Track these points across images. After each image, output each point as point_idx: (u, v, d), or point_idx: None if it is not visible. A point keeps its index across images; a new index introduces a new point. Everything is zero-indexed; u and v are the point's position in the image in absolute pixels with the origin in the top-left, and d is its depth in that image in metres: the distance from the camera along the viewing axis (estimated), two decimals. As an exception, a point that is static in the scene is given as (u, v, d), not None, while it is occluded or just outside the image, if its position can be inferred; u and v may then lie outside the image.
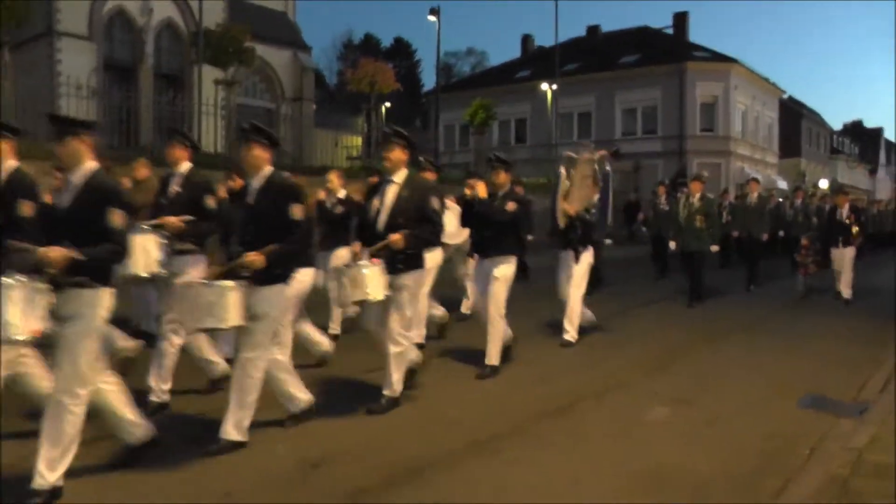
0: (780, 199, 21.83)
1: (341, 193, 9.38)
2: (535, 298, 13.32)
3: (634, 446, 5.66)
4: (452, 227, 8.63)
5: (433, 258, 8.21)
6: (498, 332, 7.83)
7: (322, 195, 8.97)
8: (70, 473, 4.51)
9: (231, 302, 5.15)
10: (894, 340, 9.25)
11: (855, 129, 78.19)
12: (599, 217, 9.61)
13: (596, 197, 9.52)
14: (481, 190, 7.89)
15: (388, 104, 37.53)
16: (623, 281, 16.33)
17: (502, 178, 7.98)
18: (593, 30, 51.00)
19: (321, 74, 58.65)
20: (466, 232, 8.75)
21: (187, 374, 6.73)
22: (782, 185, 40.92)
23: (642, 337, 10.19)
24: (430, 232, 6.40)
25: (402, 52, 69.03)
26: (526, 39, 54.93)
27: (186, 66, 28.78)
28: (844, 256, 13.61)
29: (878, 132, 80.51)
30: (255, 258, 5.22)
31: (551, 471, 5.15)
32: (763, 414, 6.55)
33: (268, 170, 5.58)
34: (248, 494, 4.66)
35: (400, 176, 6.43)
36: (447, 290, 10.78)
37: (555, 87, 36.48)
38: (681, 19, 47.75)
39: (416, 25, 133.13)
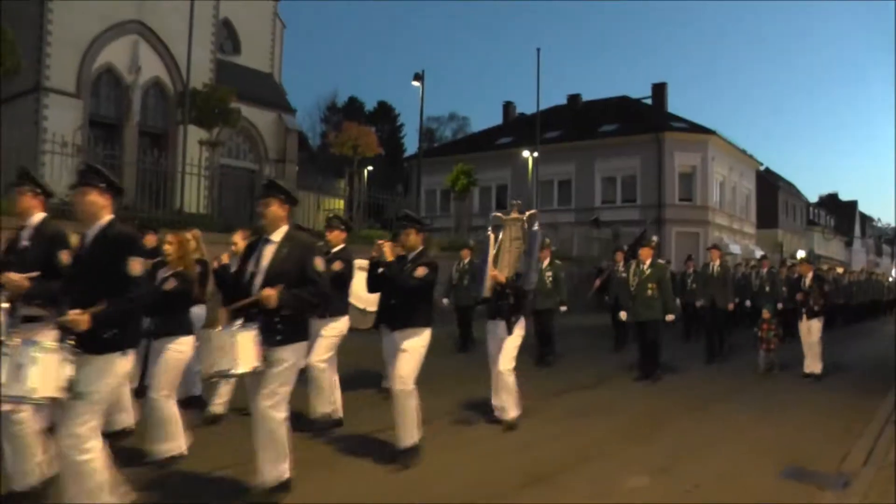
0: (747, 269, 21.88)
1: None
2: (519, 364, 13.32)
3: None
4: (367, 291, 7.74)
5: (336, 327, 7.97)
6: (408, 410, 6.79)
7: (225, 258, 8.17)
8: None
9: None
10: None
11: (830, 202, 79.47)
12: (524, 278, 8.46)
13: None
14: (388, 252, 6.98)
15: (370, 168, 37.76)
16: (588, 349, 16.33)
17: (412, 239, 7.12)
18: (574, 98, 51.70)
19: (305, 136, 59.07)
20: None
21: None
22: (759, 254, 41.29)
23: (620, 405, 10.16)
24: (311, 293, 5.51)
25: (385, 116, 69.73)
26: (507, 106, 55.59)
27: (172, 125, 28.89)
28: (810, 329, 13.07)
29: (852, 205, 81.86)
30: (77, 317, 4.53)
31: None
32: (743, 484, 6.54)
33: (106, 219, 4.96)
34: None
35: (278, 234, 5.67)
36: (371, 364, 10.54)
37: (535, 154, 36.87)
38: (659, 90, 48.55)
39: (399, 89, 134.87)
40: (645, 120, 43.22)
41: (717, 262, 15.50)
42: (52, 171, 14.73)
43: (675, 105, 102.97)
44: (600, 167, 42.55)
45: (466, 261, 14.68)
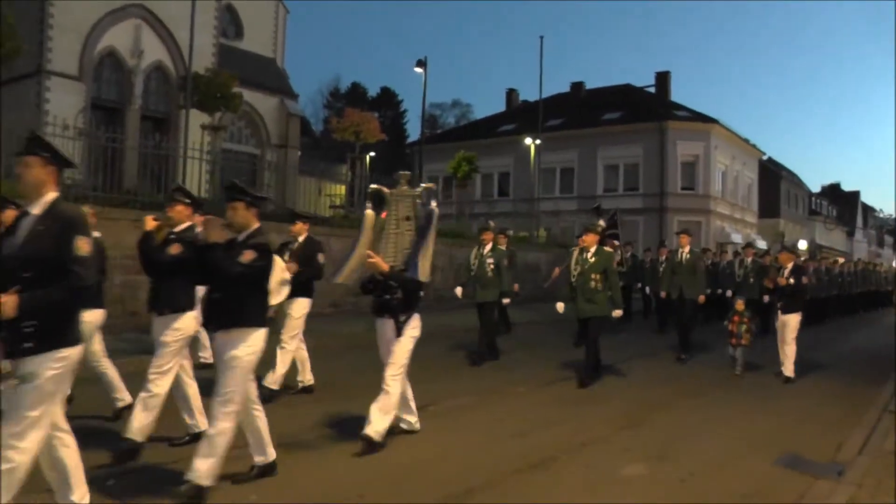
0: (726, 259, 20.97)
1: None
2: (513, 350, 13.41)
3: (610, 501, 5.66)
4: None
5: (180, 329, 6.49)
6: (221, 438, 5.34)
7: None
8: None
9: None
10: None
11: (833, 192, 79.36)
12: (407, 266, 7.03)
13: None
14: (214, 232, 5.62)
15: (372, 154, 37.74)
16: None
17: (241, 215, 5.67)
18: (577, 86, 51.65)
19: (307, 121, 59.01)
20: (286, 290, 7.23)
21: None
22: (762, 245, 41.26)
23: (612, 394, 10.15)
24: (64, 289, 4.21)
25: (388, 102, 69.68)
26: (511, 93, 55.54)
27: (174, 109, 28.87)
28: (787, 325, 11.78)
29: (855, 195, 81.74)
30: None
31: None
32: (739, 471, 6.57)
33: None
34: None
35: (40, 205, 4.35)
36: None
37: (538, 141, 36.82)
38: (663, 79, 48.52)
39: (402, 75, 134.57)
40: (648, 108, 43.17)
41: (686, 249, 13.92)
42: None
43: (678, 94, 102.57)
44: (603, 155, 42.52)
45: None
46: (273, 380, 8.71)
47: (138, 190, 16.48)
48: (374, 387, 6.92)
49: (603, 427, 8.14)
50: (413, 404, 7.52)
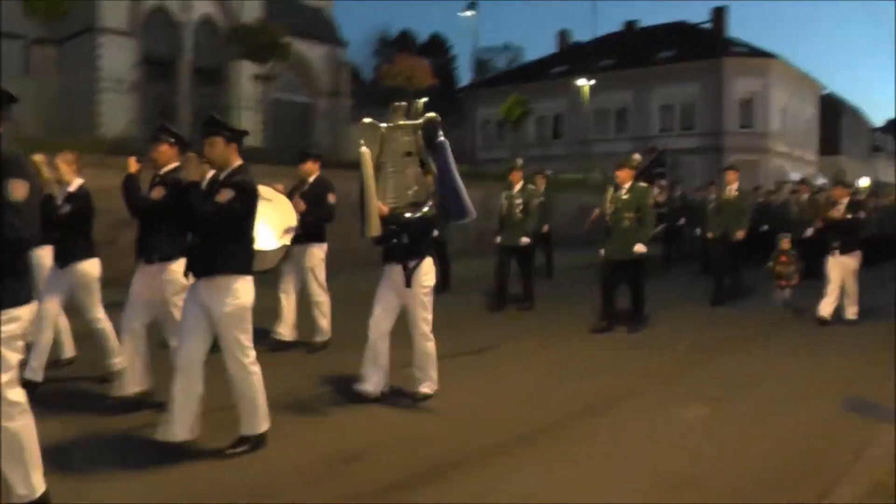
0: (788, 195, 19.54)
1: (74, 184, 6.84)
2: (571, 294, 13.34)
3: (672, 446, 5.61)
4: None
5: (176, 274, 6.08)
6: (248, 386, 5.20)
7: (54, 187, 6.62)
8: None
9: None
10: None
11: (897, 126, 77.04)
12: (448, 210, 6.49)
13: (430, 181, 6.56)
14: (193, 170, 5.16)
15: (424, 99, 37.51)
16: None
17: (220, 151, 5.13)
18: (630, 25, 50.68)
19: (357, 70, 58.82)
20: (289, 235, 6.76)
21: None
22: (821, 182, 40.45)
23: (668, 339, 9.93)
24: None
25: (437, 48, 68.95)
26: (562, 35, 54.64)
27: (224, 61, 28.98)
28: (846, 266, 10.77)
29: (920, 129, 79.28)
30: None
31: (587, 469, 5.12)
32: (801, 415, 6.44)
33: None
34: (278, 489, 4.67)
35: None
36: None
37: (591, 82, 36.26)
38: (719, 14, 47.25)
39: (451, 21, 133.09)
40: (704, 45, 42.26)
41: (734, 186, 12.75)
42: (110, 109, 14.90)
43: (735, 29, 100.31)
44: (657, 95, 41.85)
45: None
46: (319, 335, 8.75)
47: (193, 141, 16.59)
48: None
49: (660, 372, 8.05)
50: (382, 373, 6.59)
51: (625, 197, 10.01)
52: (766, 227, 16.87)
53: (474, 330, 10.07)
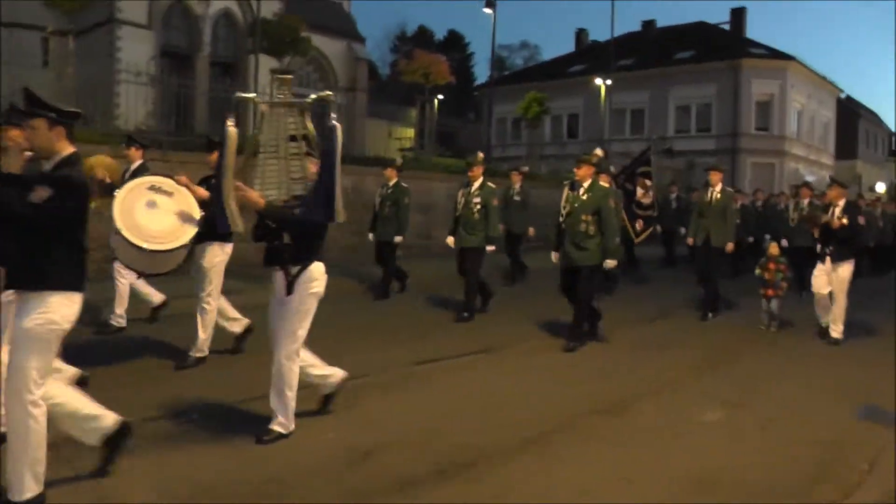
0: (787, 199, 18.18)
1: None
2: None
3: (686, 447, 5.61)
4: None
5: None
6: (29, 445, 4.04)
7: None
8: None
9: None
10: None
11: (915, 131, 76.46)
12: (311, 205, 5.26)
13: (312, 170, 5.44)
14: (14, 159, 4.49)
15: (440, 96, 37.55)
16: (650, 281, 16.06)
17: (42, 138, 4.21)
18: (648, 25, 50.46)
19: (374, 65, 58.84)
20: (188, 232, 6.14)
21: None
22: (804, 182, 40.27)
23: (687, 339, 9.97)
24: None
25: (455, 45, 68.87)
26: (580, 34, 54.52)
27: (242, 55, 29.06)
28: (837, 276, 9.77)
29: (939, 135, 78.67)
30: None
31: (602, 469, 5.13)
32: (817, 421, 6.43)
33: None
34: (297, 482, 4.69)
35: None
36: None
37: (608, 82, 36.16)
38: (738, 15, 47.07)
39: (469, 18, 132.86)
40: (722, 46, 42.01)
41: (718, 188, 11.55)
42: (128, 101, 14.97)
43: (754, 31, 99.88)
44: (674, 95, 41.65)
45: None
46: (196, 349, 7.45)
47: (210, 134, 16.66)
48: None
49: (678, 372, 8.05)
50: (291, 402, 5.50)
51: (583, 197, 8.90)
52: (767, 236, 16.16)
53: (480, 329, 10.08)
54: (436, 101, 32.89)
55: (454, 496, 4.59)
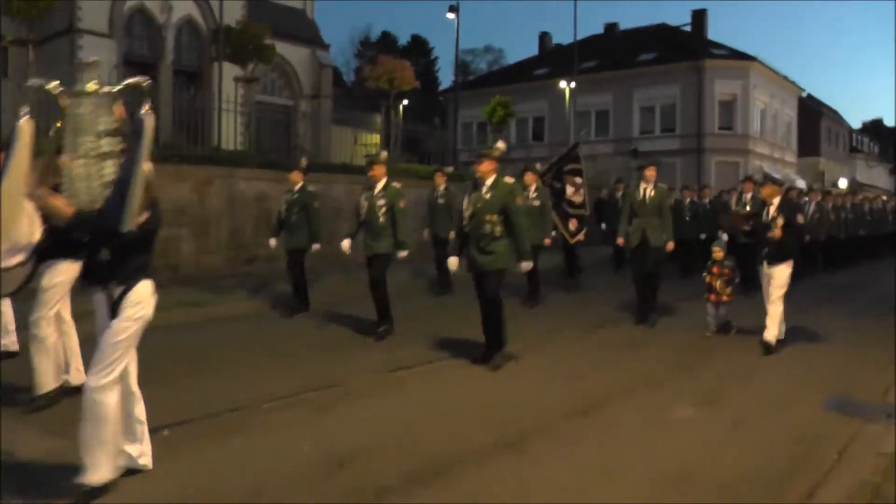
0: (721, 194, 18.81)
1: None
2: (563, 295, 13.37)
3: (662, 445, 5.63)
4: None
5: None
6: None
7: None
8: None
9: None
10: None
11: (875, 128, 77.77)
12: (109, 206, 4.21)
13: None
14: None
15: (406, 102, 37.53)
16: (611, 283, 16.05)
17: None
18: (611, 27, 50.87)
19: (339, 71, 58.73)
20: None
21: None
22: (801, 184, 40.75)
23: (661, 338, 10.06)
24: None
25: (419, 49, 68.95)
26: (543, 37, 54.85)
27: (206, 63, 28.85)
28: (773, 279, 9.08)
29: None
30: None
31: (579, 469, 5.13)
32: (789, 414, 6.50)
33: None
34: (275, 493, 4.65)
35: None
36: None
37: (573, 84, 36.34)
38: (699, 17, 47.58)
39: (432, 23, 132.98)
40: (684, 48, 42.46)
41: (651, 185, 10.82)
42: (90, 112, 14.80)
43: (715, 32, 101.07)
44: (639, 97, 41.99)
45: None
46: (37, 384, 6.25)
47: (174, 144, 16.51)
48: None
49: (654, 371, 8.10)
50: (142, 428, 4.85)
51: (486, 196, 7.99)
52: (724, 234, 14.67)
53: (457, 332, 10.06)
54: (401, 106, 32.87)
55: (433, 500, 4.58)
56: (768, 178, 9.58)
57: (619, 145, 40.34)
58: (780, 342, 9.20)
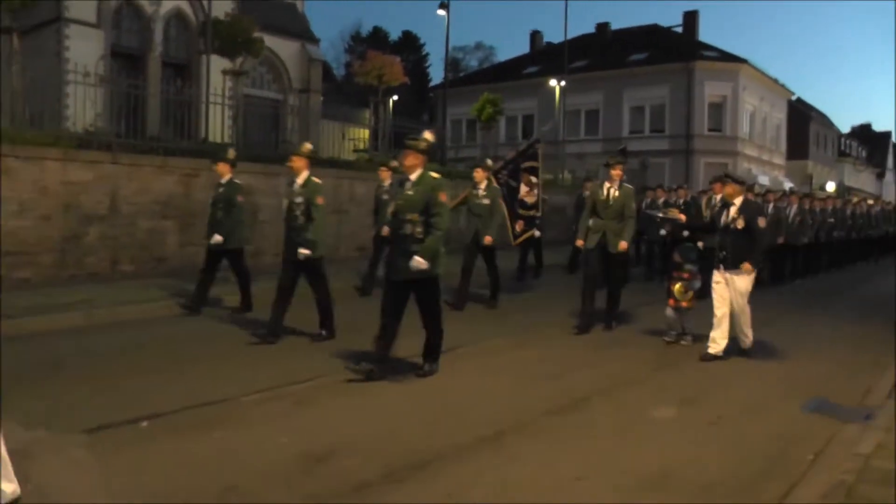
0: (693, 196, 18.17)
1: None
2: (544, 293, 13.37)
3: (640, 445, 5.64)
4: None
5: None
6: None
7: None
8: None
9: None
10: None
11: (863, 133, 78.12)
12: None
13: None
14: None
15: (395, 97, 37.48)
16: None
17: None
18: (602, 27, 50.89)
19: (329, 66, 58.62)
20: None
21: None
22: (789, 186, 40.88)
23: (645, 337, 10.06)
24: None
25: (409, 45, 68.95)
26: (535, 35, 54.88)
27: (194, 55, 28.78)
28: (734, 287, 8.54)
29: (886, 136, 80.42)
30: None
31: (557, 467, 5.13)
32: (767, 416, 6.53)
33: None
34: (252, 488, 4.62)
35: None
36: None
37: (563, 83, 36.37)
38: (690, 18, 47.75)
39: (424, 19, 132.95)
40: (675, 49, 42.57)
41: (616, 186, 10.15)
42: (76, 102, 14.71)
43: (706, 34, 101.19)
44: (628, 97, 42.06)
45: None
46: None
47: (161, 136, 16.43)
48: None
49: (638, 369, 8.12)
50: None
51: (409, 192, 7.22)
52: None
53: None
54: (390, 102, 32.83)
55: (408, 497, 4.56)
56: (730, 178, 9.12)
57: (608, 145, 40.38)
58: (751, 349, 8.95)
